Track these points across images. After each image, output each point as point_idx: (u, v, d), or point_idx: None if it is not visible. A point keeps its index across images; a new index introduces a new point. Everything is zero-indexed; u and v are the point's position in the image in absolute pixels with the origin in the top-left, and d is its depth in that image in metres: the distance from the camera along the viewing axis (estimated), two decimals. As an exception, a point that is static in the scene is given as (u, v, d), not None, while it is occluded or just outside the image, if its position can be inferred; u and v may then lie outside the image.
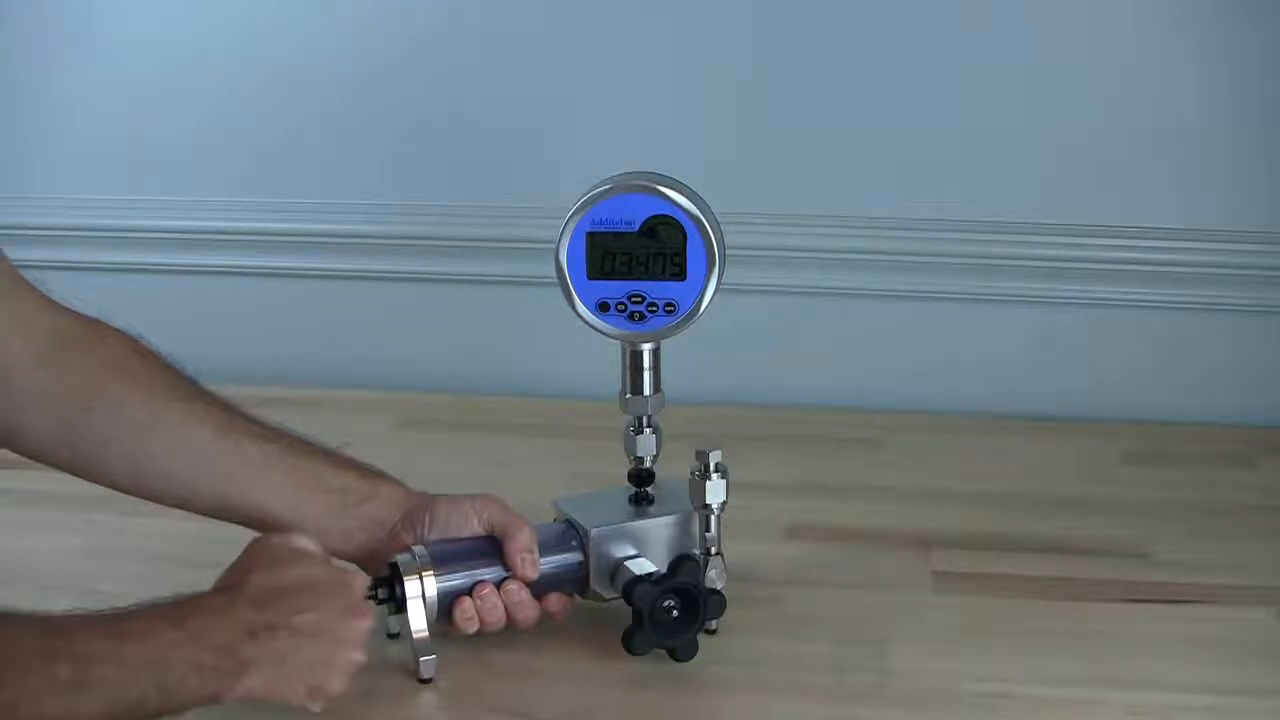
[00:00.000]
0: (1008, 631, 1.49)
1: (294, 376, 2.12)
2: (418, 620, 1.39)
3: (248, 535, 1.37)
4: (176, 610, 1.23)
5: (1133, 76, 1.93)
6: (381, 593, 1.39)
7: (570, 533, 1.46)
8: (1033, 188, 1.99)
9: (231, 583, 1.28)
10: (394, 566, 1.40)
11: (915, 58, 1.97)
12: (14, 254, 1.41)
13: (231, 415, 1.44)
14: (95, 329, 1.43)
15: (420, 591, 1.39)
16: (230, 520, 1.43)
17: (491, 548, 1.43)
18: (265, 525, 1.40)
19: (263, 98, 2.12)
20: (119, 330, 1.44)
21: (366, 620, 1.31)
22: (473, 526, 1.44)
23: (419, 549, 1.41)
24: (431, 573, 1.40)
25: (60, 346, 1.40)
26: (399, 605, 1.40)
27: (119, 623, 1.20)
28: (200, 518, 1.44)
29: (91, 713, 1.15)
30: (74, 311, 1.43)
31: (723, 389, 2.05)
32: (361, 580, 1.35)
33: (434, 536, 1.43)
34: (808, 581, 1.59)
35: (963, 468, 1.87)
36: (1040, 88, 1.96)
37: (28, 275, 1.42)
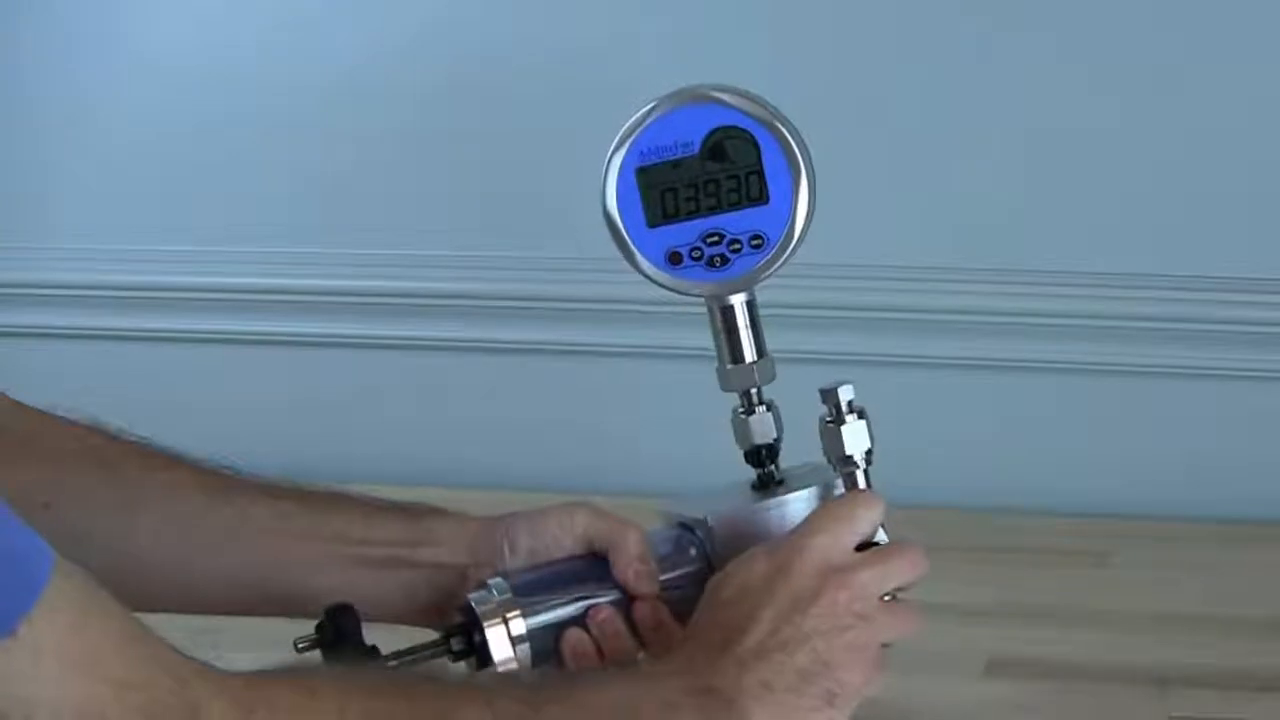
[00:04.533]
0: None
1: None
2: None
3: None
4: (621, 671, 1.09)
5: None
6: (456, 644, 1.12)
7: (686, 535, 1.19)
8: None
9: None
10: (468, 609, 1.13)
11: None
12: None
13: (227, 477, 1.20)
14: (40, 413, 1.22)
15: (508, 635, 1.12)
16: (252, 611, 1.19)
17: (593, 565, 1.17)
18: (294, 605, 1.16)
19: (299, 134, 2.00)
20: (71, 418, 1.23)
21: (848, 586, 1.08)
22: (564, 545, 1.18)
23: (497, 581, 1.14)
24: (518, 611, 1.13)
25: (7, 437, 1.18)
26: (481, 658, 1.12)
27: (549, 676, 1.08)
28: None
29: None
30: (13, 400, 1.21)
31: (903, 486, 1.73)
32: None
33: (519, 566, 1.17)
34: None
35: (1206, 586, 1.62)
36: None
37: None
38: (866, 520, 1.13)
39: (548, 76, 1.94)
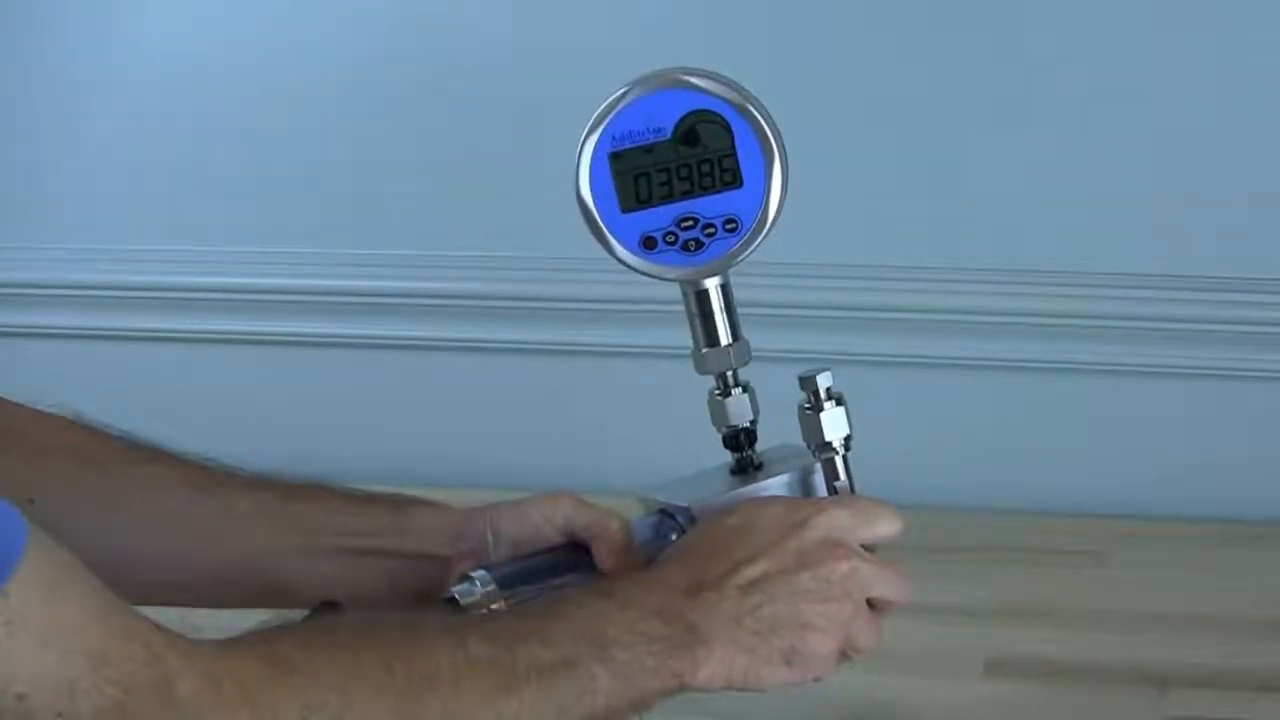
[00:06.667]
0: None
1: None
2: None
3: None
4: (597, 587, 1.08)
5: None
6: None
7: (666, 522, 1.18)
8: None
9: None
10: (452, 601, 1.12)
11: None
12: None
13: (210, 470, 1.19)
14: (20, 407, 1.20)
15: None
16: (237, 604, 1.18)
17: (575, 555, 1.16)
18: (279, 596, 1.16)
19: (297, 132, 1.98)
20: (51, 411, 1.21)
21: (851, 561, 1.08)
22: (547, 535, 1.17)
23: (480, 573, 1.13)
24: (502, 603, 1.12)
25: None
26: None
27: (524, 610, 1.06)
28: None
29: (531, 703, 0.97)
30: None
31: (903, 486, 1.68)
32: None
33: (503, 557, 1.17)
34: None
35: (1205, 587, 1.60)
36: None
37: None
38: (884, 529, 1.13)
39: (549, 76, 1.93)
